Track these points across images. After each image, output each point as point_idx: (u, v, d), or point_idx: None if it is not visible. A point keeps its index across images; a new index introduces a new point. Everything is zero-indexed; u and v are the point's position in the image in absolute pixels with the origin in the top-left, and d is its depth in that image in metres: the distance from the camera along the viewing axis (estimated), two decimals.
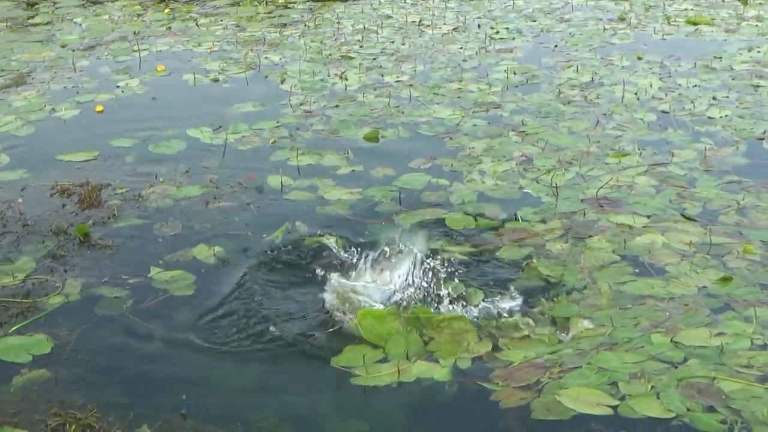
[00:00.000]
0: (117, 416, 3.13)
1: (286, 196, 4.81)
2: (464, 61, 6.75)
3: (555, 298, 3.78)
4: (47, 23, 7.87)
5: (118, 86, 6.25)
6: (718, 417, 2.95)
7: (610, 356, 3.31)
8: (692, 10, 8.07)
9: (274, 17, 7.98)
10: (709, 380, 3.13)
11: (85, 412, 3.13)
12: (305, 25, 7.74)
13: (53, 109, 5.88)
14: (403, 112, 5.71)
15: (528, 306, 3.73)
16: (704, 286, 3.84)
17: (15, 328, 3.65)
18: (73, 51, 7.05)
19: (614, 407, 3.01)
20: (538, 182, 4.80)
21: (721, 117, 5.70)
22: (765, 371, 3.22)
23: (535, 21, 7.95)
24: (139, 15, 8.04)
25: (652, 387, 3.09)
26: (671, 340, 3.42)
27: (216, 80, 6.36)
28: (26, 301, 3.86)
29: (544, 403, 3.08)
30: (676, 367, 3.21)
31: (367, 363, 3.36)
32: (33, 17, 8.02)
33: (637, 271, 4.02)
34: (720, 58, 6.76)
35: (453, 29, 7.64)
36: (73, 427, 3.08)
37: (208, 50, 6.99)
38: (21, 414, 3.15)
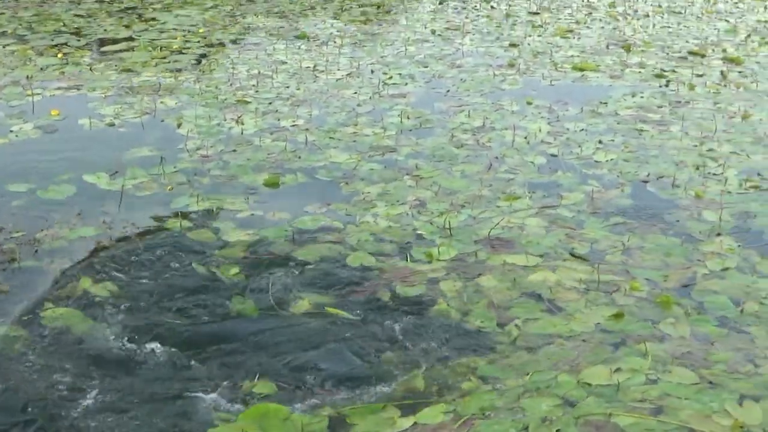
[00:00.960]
0: None
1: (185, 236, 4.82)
2: (359, 105, 6.79)
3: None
4: None
5: (11, 131, 6.17)
6: None
7: (527, 402, 3.38)
8: (578, 56, 8.26)
9: (168, 62, 7.95)
10: (605, 416, 3.24)
11: None
12: (200, 70, 7.75)
13: None
14: (299, 157, 5.72)
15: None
16: (599, 323, 3.95)
17: None
18: None
19: None
20: (431, 224, 4.88)
21: (607, 160, 5.85)
22: (657, 404, 3.32)
23: (427, 67, 8.04)
24: (31, 59, 7.95)
25: (557, 430, 3.17)
26: (576, 380, 3.51)
27: (112, 125, 6.31)
28: None
29: None
30: (573, 406, 3.29)
31: None
32: None
33: (541, 307, 4.12)
34: (605, 103, 6.94)
35: (347, 74, 7.68)
36: None
37: (103, 95, 6.92)
38: None
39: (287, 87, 7.28)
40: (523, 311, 4.08)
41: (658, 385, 3.50)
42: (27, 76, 7.33)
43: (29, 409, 3.39)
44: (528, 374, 3.57)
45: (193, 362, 3.80)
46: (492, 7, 9.68)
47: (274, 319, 4.12)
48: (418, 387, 3.54)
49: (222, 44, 8.65)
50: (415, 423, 3.26)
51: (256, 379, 3.58)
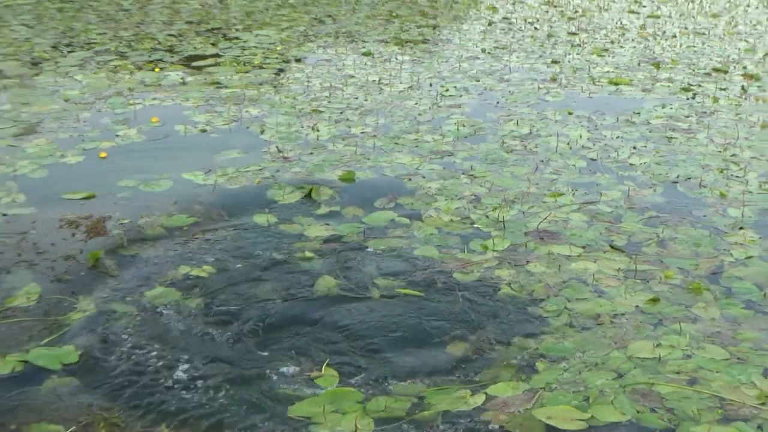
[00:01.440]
0: (139, 416, 3.17)
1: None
2: (419, 115, 6.79)
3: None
4: (51, 80, 7.82)
5: (117, 135, 6.23)
6: (660, 416, 3.08)
7: (587, 375, 3.41)
8: (613, 72, 8.19)
9: (251, 76, 8.00)
10: (649, 386, 3.28)
11: (111, 413, 3.17)
12: (279, 83, 7.80)
13: (62, 155, 5.87)
14: (368, 159, 5.76)
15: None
16: (638, 306, 3.93)
17: (46, 341, 3.69)
18: (76, 104, 7.01)
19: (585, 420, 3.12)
20: (486, 217, 4.88)
21: (641, 164, 5.82)
22: (692, 376, 3.36)
23: (479, 81, 7.99)
24: (131, 73, 8.05)
25: (612, 399, 3.19)
26: (625, 355, 3.53)
27: (204, 131, 6.36)
28: (49, 318, 3.88)
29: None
30: (622, 377, 3.34)
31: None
32: (38, 74, 7.99)
33: (588, 290, 4.12)
34: (638, 113, 6.91)
35: (408, 87, 7.70)
36: (101, 424, 3.11)
37: (195, 105, 6.99)
38: (53, 413, 3.17)
39: (356, 98, 7.30)
40: (572, 292, 4.08)
41: (692, 359, 3.52)
42: (128, 88, 7.43)
43: (127, 378, 3.42)
44: (585, 351, 3.59)
45: (277, 341, 3.80)
46: (535, 28, 9.61)
47: (352, 302, 4.10)
48: (485, 366, 3.54)
49: (298, 60, 8.65)
50: (486, 396, 3.25)
51: (326, 362, 3.56)
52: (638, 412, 3.10)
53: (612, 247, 4.55)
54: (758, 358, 3.55)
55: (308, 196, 5.23)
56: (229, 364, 3.60)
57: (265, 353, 3.69)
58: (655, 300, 3.99)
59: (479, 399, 3.22)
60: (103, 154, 5.90)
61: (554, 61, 8.17)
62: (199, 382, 3.43)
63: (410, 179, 5.50)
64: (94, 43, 8.62)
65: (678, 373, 3.42)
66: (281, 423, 3.17)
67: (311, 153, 5.92)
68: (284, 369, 3.56)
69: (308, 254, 4.50)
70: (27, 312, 3.97)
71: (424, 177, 5.53)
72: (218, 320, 3.91)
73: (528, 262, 4.42)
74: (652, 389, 3.26)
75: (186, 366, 3.54)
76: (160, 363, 3.53)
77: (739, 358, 3.58)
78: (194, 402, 3.30)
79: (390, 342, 3.75)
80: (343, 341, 3.80)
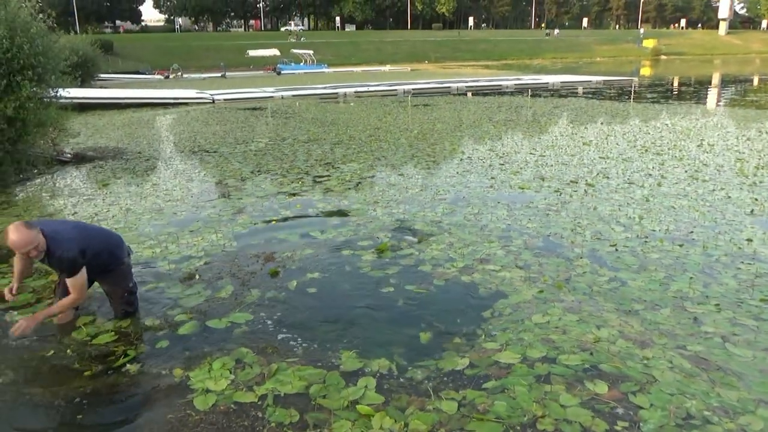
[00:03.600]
0: None
1: None
2: (426, 204, 6.79)
3: None
4: (251, 189, 7.90)
5: (281, 213, 6.50)
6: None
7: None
8: (521, 182, 7.68)
9: (345, 185, 8.13)
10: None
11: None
12: (360, 188, 7.91)
13: (254, 222, 6.18)
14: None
15: None
16: (534, 294, 4.12)
17: (240, 307, 3.95)
18: (261, 198, 7.33)
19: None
20: (457, 252, 5.05)
21: (532, 226, 5.66)
22: (564, 329, 3.51)
23: (454, 187, 7.56)
24: (288, 184, 8.11)
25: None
26: (532, 322, 3.67)
27: (331, 214, 6.54)
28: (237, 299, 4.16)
29: None
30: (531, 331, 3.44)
31: None
32: (244, 186, 8.02)
33: (512, 289, 4.28)
34: (532, 202, 6.58)
35: (421, 189, 7.51)
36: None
37: (317, 199, 7.22)
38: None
39: (395, 192, 7.34)
40: (505, 288, 4.19)
41: (560, 321, 3.68)
42: (285, 192, 7.64)
43: None
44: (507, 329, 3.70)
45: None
46: (483, 162, 9.55)
47: None
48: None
49: (368, 177, 8.63)
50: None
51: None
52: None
53: (517, 266, 4.72)
54: (595, 319, 3.69)
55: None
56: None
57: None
58: (541, 291, 4.16)
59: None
60: (274, 221, 6.19)
61: (491, 178, 8.03)
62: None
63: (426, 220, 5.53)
64: (271, 169, 8.97)
65: (557, 328, 3.59)
66: None
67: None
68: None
69: None
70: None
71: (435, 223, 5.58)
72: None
73: (474, 272, 4.59)
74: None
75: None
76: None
77: (580, 319, 3.73)
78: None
79: None
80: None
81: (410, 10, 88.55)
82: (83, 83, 24.02)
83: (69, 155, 10.67)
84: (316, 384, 3.11)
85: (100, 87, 27.00)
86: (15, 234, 3.20)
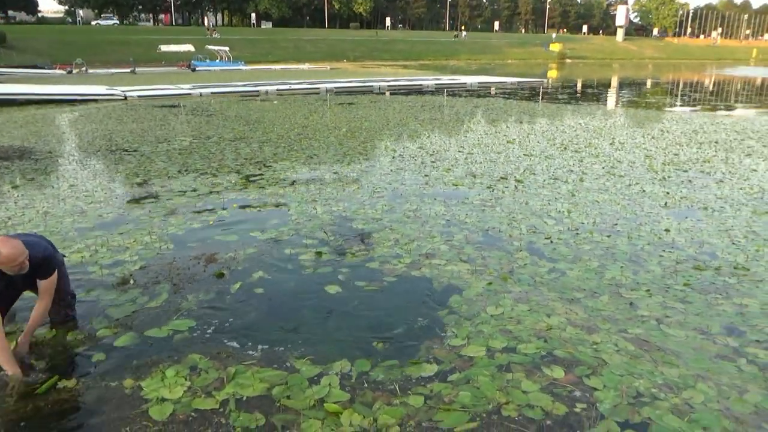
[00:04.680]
0: None
1: None
2: (364, 201, 6.78)
3: None
4: (179, 186, 7.56)
5: (216, 213, 6.34)
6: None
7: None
8: (453, 179, 7.83)
9: (279, 184, 7.98)
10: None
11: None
12: (294, 188, 7.79)
13: (190, 223, 5.95)
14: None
15: None
16: (484, 286, 4.23)
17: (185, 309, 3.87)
18: (193, 198, 7.05)
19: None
20: (402, 248, 5.09)
21: (470, 221, 5.79)
22: (517, 319, 3.53)
23: (390, 184, 7.61)
24: (219, 183, 7.87)
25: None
26: (489, 314, 3.70)
27: (259, 210, 6.40)
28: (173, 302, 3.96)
29: None
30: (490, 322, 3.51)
31: None
32: (172, 185, 7.71)
33: (458, 282, 4.36)
34: (468, 198, 6.73)
35: (357, 187, 7.52)
36: None
37: (253, 197, 7.05)
38: None
39: (332, 192, 7.30)
40: (456, 282, 4.26)
41: (513, 311, 3.78)
42: (218, 191, 7.42)
43: None
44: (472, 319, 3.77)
45: None
46: (416, 160, 9.65)
47: None
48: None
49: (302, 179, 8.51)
50: None
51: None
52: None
53: (461, 260, 4.82)
54: (544, 308, 3.84)
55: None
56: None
57: None
58: (490, 283, 4.27)
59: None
60: (210, 222, 6.00)
61: (425, 175, 8.12)
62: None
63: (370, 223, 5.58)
64: (199, 169, 8.67)
65: (511, 318, 3.69)
66: None
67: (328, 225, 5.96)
68: None
69: None
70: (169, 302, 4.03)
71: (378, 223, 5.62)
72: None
73: (422, 267, 4.66)
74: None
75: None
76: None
77: (530, 309, 3.87)
78: None
79: None
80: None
81: (327, 9, 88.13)
82: None
83: None
84: (279, 385, 3.05)
85: None
86: (7, 246, 2.96)
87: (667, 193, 7.37)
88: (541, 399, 2.90)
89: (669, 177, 8.32)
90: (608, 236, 5.45)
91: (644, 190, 7.47)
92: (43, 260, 3.25)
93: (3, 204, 6.84)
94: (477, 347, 3.31)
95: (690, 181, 8.07)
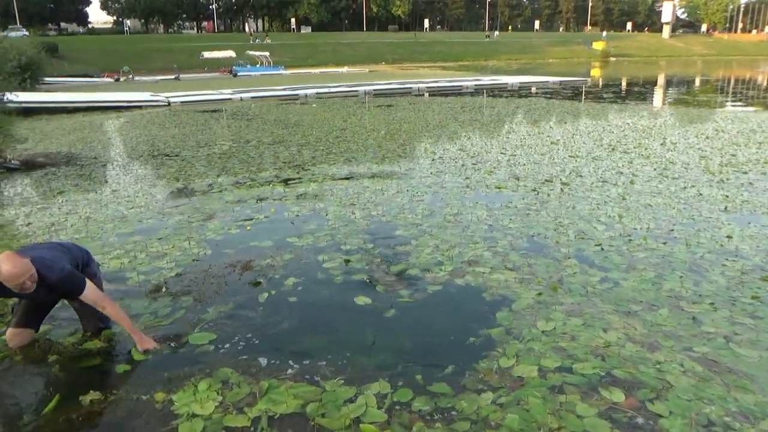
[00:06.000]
0: None
1: None
2: (403, 204, 6.64)
3: None
4: (218, 192, 7.55)
5: (254, 218, 6.33)
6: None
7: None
8: (496, 182, 7.60)
9: (322, 186, 7.87)
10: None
11: None
12: (331, 191, 7.68)
13: (228, 228, 5.91)
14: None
15: None
16: (533, 297, 4.02)
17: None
18: (231, 203, 7.06)
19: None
20: (442, 254, 4.89)
21: (514, 226, 5.59)
22: (571, 335, 3.32)
23: (431, 187, 7.46)
24: (258, 188, 7.93)
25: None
26: (537, 328, 3.56)
27: (296, 215, 6.40)
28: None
29: None
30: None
31: None
32: (211, 190, 7.70)
33: (504, 291, 4.15)
34: (511, 202, 6.52)
35: (397, 191, 7.38)
36: None
37: (291, 202, 7.02)
38: None
39: (370, 194, 7.16)
40: (497, 289, 4.05)
41: (566, 325, 3.52)
42: (256, 196, 7.38)
43: None
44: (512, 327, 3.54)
45: None
46: (457, 161, 9.48)
47: None
48: None
49: (341, 179, 8.42)
50: None
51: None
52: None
53: (507, 267, 4.62)
54: (599, 322, 3.59)
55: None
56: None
57: None
58: (540, 294, 4.04)
59: None
60: (248, 228, 5.94)
61: (466, 178, 7.93)
62: None
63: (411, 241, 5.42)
64: (238, 173, 8.68)
65: (565, 334, 3.46)
66: None
67: (354, 226, 5.83)
68: None
69: None
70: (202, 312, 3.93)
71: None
72: None
73: (465, 275, 4.45)
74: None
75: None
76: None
77: (585, 323, 3.62)
78: None
79: None
80: None
81: (366, 12, 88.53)
82: (28, 87, 22.83)
83: (17, 162, 10.02)
84: (313, 402, 2.87)
85: (46, 91, 25.77)
86: (9, 264, 2.81)
87: (727, 196, 6.91)
88: (598, 425, 2.64)
89: (728, 179, 7.83)
90: (664, 243, 5.11)
91: (701, 194, 7.04)
92: (59, 282, 3.08)
93: (48, 210, 6.94)
94: (528, 366, 3.07)
95: (751, 183, 7.57)
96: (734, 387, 2.93)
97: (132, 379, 3.17)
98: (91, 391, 3.04)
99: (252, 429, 2.76)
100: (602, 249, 4.98)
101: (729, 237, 5.32)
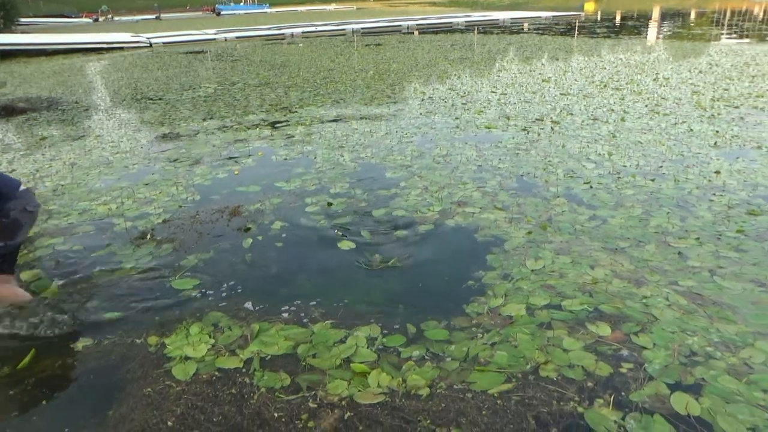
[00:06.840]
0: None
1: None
2: (392, 146, 6.62)
3: None
4: (204, 136, 7.53)
5: (242, 162, 6.28)
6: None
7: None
8: (485, 122, 7.56)
9: (308, 130, 7.68)
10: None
11: None
12: (322, 134, 7.53)
13: (215, 174, 5.83)
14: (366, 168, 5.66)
15: None
16: (523, 235, 3.97)
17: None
18: (218, 147, 6.97)
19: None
20: (431, 195, 4.87)
21: (503, 166, 5.65)
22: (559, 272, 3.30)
23: (420, 128, 7.44)
24: (245, 131, 7.83)
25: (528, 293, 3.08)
26: (528, 268, 3.47)
27: (285, 159, 6.38)
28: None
29: None
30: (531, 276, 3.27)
31: None
32: (197, 133, 7.67)
33: (494, 232, 4.12)
34: (501, 142, 6.52)
35: (385, 133, 7.29)
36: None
37: (279, 145, 6.96)
38: None
39: (360, 137, 7.12)
40: (489, 230, 4.02)
41: (555, 263, 3.48)
42: (244, 139, 7.30)
43: None
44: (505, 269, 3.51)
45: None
46: (446, 102, 9.34)
47: None
48: None
49: (329, 121, 8.37)
50: None
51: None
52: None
53: (496, 207, 4.59)
54: (587, 259, 3.60)
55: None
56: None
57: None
58: (530, 232, 4.05)
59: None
60: (236, 172, 5.87)
61: (456, 118, 7.85)
62: None
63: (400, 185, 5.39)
64: (224, 116, 8.49)
65: (553, 272, 3.48)
66: None
67: (341, 168, 5.78)
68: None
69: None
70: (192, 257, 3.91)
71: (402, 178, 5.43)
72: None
73: (455, 215, 4.44)
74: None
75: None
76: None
77: (573, 260, 3.65)
78: None
79: None
80: None
81: None
82: (3, 28, 21.93)
83: None
84: (304, 344, 2.89)
85: (22, 32, 24.79)
86: None
87: (717, 131, 6.86)
88: (584, 358, 2.69)
89: (719, 114, 7.76)
90: (652, 180, 5.10)
91: (691, 129, 6.98)
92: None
93: (31, 156, 6.80)
94: (516, 305, 3.10)
95: (742, 118, 7.51)
96: (717, 318, 2.98)
97: (124, 325, 3.17)
98: (81, 338, 3.04)
99: (244, 370, 2.79)
100: (591, 187, 4.97)
101: (717, 172, 5.31)
